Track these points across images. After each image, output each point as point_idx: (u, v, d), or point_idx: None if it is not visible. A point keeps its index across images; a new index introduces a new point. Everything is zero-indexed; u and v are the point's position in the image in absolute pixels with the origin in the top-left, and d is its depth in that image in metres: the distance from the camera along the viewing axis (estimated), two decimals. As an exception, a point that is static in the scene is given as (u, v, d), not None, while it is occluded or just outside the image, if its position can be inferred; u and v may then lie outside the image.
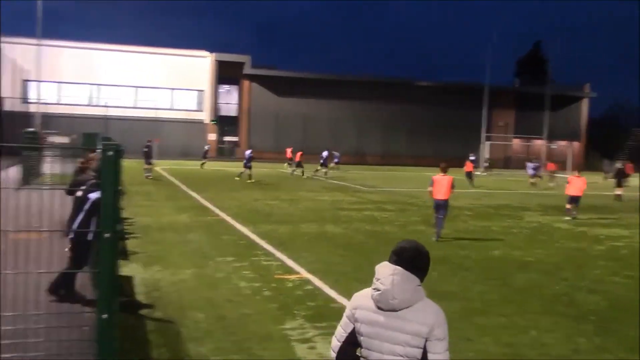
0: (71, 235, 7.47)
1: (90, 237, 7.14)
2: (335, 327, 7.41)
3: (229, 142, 66.18)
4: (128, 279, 9.04)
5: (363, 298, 3.17)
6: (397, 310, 3.01)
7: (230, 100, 66.95)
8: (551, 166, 41.07)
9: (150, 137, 38.20)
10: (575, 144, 72.22)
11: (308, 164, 40.71)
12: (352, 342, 3.14)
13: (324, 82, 65.99)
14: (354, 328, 3.14)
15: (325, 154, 39.61)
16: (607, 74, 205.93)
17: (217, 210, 18.07)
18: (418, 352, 2.97)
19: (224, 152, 65.15)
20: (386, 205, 21.47)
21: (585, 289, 9.69)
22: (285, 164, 45.24)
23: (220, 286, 9.04)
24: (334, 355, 3.22)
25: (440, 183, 14.10)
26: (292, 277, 9.82)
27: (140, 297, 8.29)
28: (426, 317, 2.99)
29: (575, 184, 19.92)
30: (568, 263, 11.86)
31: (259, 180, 30.71)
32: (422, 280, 3.10)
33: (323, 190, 27.41)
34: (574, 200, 19.66)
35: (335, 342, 3.22)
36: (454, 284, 9.65)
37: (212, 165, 41.90)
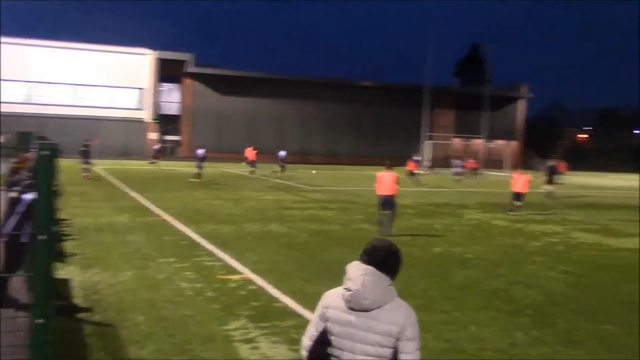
0: (4, 238, 7.20)
1: (24, 239, 6.89)
2: (278, 327, 7.41)
3: (171, 141, 65.17)
4: (65, 282, 8.78)
5: (334, 297, 3.15)
6: (368, 311, 3.00)
7: (172, 98, 65.91)
8: (471, 164, 42.20)
9: (89, 136, 37.25)
10: (513, 143, 74.24)
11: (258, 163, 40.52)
12: (323, 342, 3.13)
13: (268, 81, 65.75)
14: (325, 327, 3.12)
15: (282, 153, 40.13)
16: (543, 75, 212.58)
17: (158, 211, 17.76)
18: (389, 352, 2.98)
19: (165, 152, 64.12)
20: (330, 204, 21.56)
21: (522, 284, 9.97)
22: (244, 164, 45.02)
23: (161, 287, 8.88)
24: (305, 354, 3.21)
25: (385, 179, 14.60)
26: (235, 277, 9.74)
27: (78, 300, 8.07)
28: (397, 317, 2.99)
29: (520, 181, 21.18)
30: (505, 259, 12.18)
31: (210, 180, 30.34)
32: (393, 279, 3.10)
33: (267, 189, 27.31)
34: (518, 196, 20.90)
35: (307, 342, 3.20)
36: (399, 281, 9.70)
37: (154, 165, 41.15)
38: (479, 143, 68.52)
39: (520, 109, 77.88)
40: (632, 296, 9.37)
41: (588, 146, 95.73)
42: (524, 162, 71.26)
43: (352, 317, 3.02)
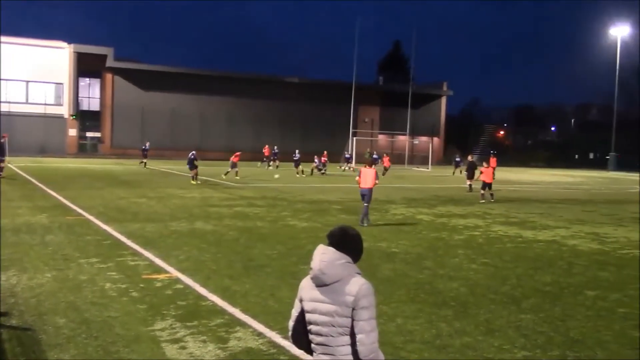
0: None
1: None
2: (206, 326, 7.34)
3: (92, 137, 63.20)
4: (-21, 286, 8.37)
5: (306, 279, 3.51)
6: (328, 285, 3.34)
7: (92, 94, 63.98)
8: (386, 161, 43.29)
9: (3, 132, 35.62)
10: (436, 140, 76.14)
11: (178, 160, 39.84)
12: (302, 321, 3.47)
13: (192, 77, 64.78)
14: (302, 307, 3.48)
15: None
16: (463, 73, 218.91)
17: (79, 210, 17.21)
18: (347, 322, 3.29)
19: (86, 149, 62.17)
20: (257, 201, 21.48)
21: (445, 276, 10.24)
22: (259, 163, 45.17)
23: (84, 289, 8.61)
24: (290, 334, 3.58)
25: (366, 174, 16.12)
26: (161, 276, 9.56)
27: (-6, 304, 7.71)
28: (352, 288, 3.31)
29: (487, 173, 24.36)
30: (430, 252, 12.48)
31: (134, 178, 29.56)
32: (355, 259, 3.46)
33: (192, 187, 26.92)
34: (487, 186, 24.27)
35: (290, 323, 3.57)
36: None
37: (73, 163, 39.79)
38: (403, 139, 69.90)
39: (442, 106, 79.95)
40: (547, 285, 9.80)
41: (506, 142, 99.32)
42: (446, 158, 73.42)
43: (317, 293, 3.38)
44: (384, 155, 47.14)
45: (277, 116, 68.21)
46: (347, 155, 52.62)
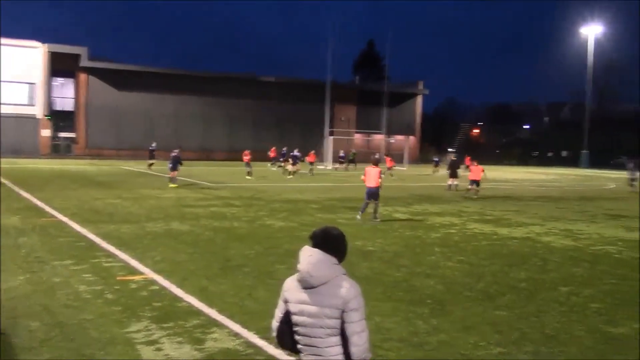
0: None
1: None
2: (182, 327, 7.30)
3: (65, 138, 62.38)
4: (-50, 290, 8.22)
5: (291, 281, 3.51)
6: (315, 287, 3.34)
7: (65, 94, 63.12)
8: (388, 161, 43.56)
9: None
10: (411, 138, 76.47)
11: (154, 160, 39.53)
12: (287, 322, 3.48)
13: (167, 76, 64.26)
14: (287, 309, 3.48)
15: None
16: (439, 72, 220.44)
17: (53, 211, 16.98)
18: (336, 323, 3.32)
19: (59, 149, 61.37)
20: (233, 201, 21.40)
21: (422, 274, 10.31)
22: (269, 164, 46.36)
23: (58, 291, 8.50)
24: (274, 334, 3.57)
25: (371, 173, 16.84)
26: (137, 277, 9.48)
27: (-35, 308, 7.58)
28: (340, 290, 3.33)
29: (475, 170, 26.05)
30: (407, 251, 12.55)
31: (110, 179, 29.25)
32: (340, 259, 3.46)
33: (168, 187, 26.72)
34: (475, 182, 25.78)
35: (274, 324, 3.57)
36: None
37: (47, 163, 39.27)
38: (379, 138, 70.12)
39: (418, 105, 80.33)
40: (522, 282, 9.91)
41: (481, 140, 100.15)
42: (422, 157, 73.85)
43: (304, 295, 3.38)
44: (386, 156, 48.01)
45: (253, 115, 67.97)
46: (341, 155, 52.96)
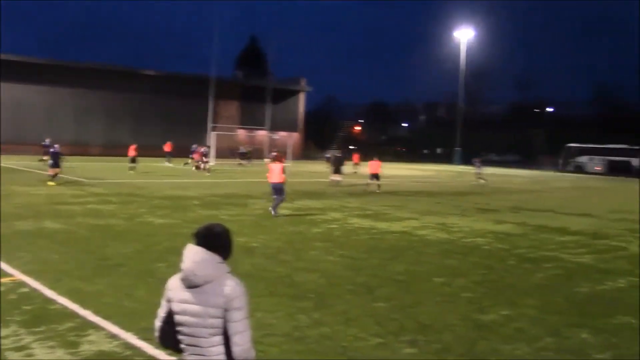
0: None
1: None
2: (55, 330, 6.95)
3: None
4: None
5: (175, 280, 3.44)
6: (199, 286, 3.30)
7: None
8: (355, 158, 45.31)
9: None
10: (295, 135, 77.06)
11: (23, 155, 37.18)
12: (169, 322, 3.41)
13: (39, 67, 60.56)
14: (170, 308, 3.40)
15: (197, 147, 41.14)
16: (320, 70, 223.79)
17: None
18: (220, 322, 3.28)
19: None
20: (111, 198, 20.59)
21: (304, 269, 10.43)
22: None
23: None
24: (157, 334, 3.50)
25: (274, 169, 17.50)
26: (4, 280, 8.88)
27: None
28: (224, 289, 3.29)
29: (373, 165, 27.72)
30: (289, 246, 12.65)
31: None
32: (225, 257, 3.41)
33: (39, 183, 25.26)
34: (375, 176, 27.50)
35: (157, 324, 3.49)
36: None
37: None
38: (262, 134, 70.10)
39: (300, 102, 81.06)
40: (399, 274, 10.29)
41: (361, 138, 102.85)
42: (305, 153, 74.68)
43: (187, 294, 3.33)
44: (353, 153, 48.94)
45: (132, 109, 65.63)
46: (242, 151, 52.32)
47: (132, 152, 35.19)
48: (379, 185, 27.51)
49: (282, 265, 10.66)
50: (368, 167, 28.25)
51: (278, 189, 17.53)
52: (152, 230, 14.15)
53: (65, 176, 28.95)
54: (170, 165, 43.00)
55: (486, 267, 11.27)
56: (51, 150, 26.14)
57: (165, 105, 67.28)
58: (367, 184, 27.98)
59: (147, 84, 66.29)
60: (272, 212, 17.32)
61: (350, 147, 52.07)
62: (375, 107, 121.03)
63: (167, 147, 46.93)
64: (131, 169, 34.05)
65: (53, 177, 25.56)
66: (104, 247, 11.74)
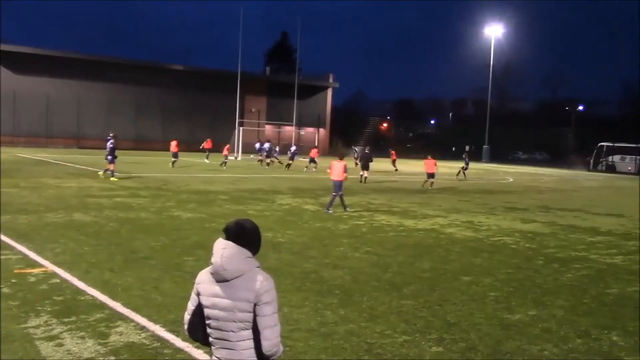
0: None
1: None
2: (85, 321, 7.05)
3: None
4: None
5: (205, 273, 3.47)
6: (228, 280, 3.32)
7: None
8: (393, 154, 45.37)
9: None
10: (322, 131, 77.12)
11: (52, 148, 37.75)
12: (199, 315, 3.44)
13: (70, 60, 61.40)
14: (199, 301, 3.43)
15: (266, 145, 42.42)
16: (348, 66, 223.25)
17: (-59, 201, 15.92)
18: (249, 317, 3.31)
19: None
20: (140, 191, 20.83)
21: (330, 265, 10.44)
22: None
23: (-52, 286, 7.99)
24: (186, 327, 3.53)
25: (336, 167, 17.95)
26: (35, 270, 9.06)
27: None
28: (253, 284, 3.31)
29: (429, 164, 28.42)
30: (316, 242, 12.66)
31: (4, 167, 27.63)
32: (254, 252, 3.43)
33: (69, 176, 25.66)
34: (431, 175, 28.26)
35: (186, 317, 3.52)
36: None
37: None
38: (289, 130, 70.22)
39: (328, 98, 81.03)
40: (426, 272, 10.24)
41: (389, 134, 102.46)
42: (331, 149, 74.61)
43: (217, 288, 3.35)
44: (390, 150, 48.97)
45: (160, 104, 66.26)
46: (268, 146, 48.00)
47: (174, 147, 35.56)
48: (432, 183, 28.27)
49: (309, 261, 10.68)
50: (424, 166, 28.94)
51: (337, 186, 17.90)
52: (180, 224, 14.28)
53: (92, 168, 29.38)
54: (208, 162, 42.15)
55: (514, 266, 11.16)
56: (109, 144, 25.01)
57: (192, 100, 67.77)
58: (424, 182, 28.69)
59: (175, 79, 66.84)
60: (327, 211, 17.52)
61: (382, 144, 51.77)
62: (402, 103, 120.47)
63: (208, 144, 45.96)
64: (173, 163, 34.67)
65: (111, 172, 24.94)
66: (132, 240, 11.88)
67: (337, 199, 18.02)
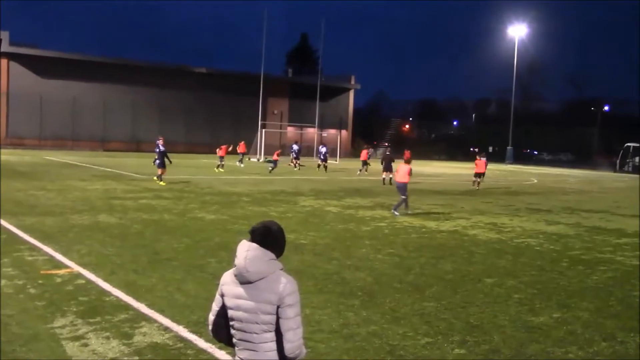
0: None
1: None
2: (109, 321, 7.14)
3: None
4: None
5: (229, 275, 3.49)
6: (252, 282, 3.33)
7: (-16, 80, 60.12)
8: (241, 148, 42.54)
9: None
10: (344, 132, 77.11)
11: (78, 151, 38.26)
12: (223, 316, 3.48)
13: (95, 64, 62.22)
14: (223, 302, 3.46)
15: (294, 147, 42.18)
16: (369, 67, 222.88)
17: (-30, 203, 16.22)
18: (272, 319, 3.32)
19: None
20: (163, 193, 21.02)
21: (352, 267, 10.43)
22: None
23: (-24, 287, 8.14)
24: (210, 328, 3.57)
25: (402, 169, 18.22)
26: (61, 271, 9.19)
27: None
28: (277, 286, 3.33)
29: (480, 164, 29.76)
30: (337, 243, 12.67)
31: (31, 169, 28.10)
32: (278, 255, 3.46)
33: (94, 178, 25.99)
34: (480, 175, 29.77)
35: (210, 317, 3.56)
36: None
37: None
38: (311, 132, 70.33)
39: (350, 99, 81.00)
40: (448, 274, 10.19)
41: (411, 135, 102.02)
42: (354, 150, 74.56)
43: (240, 289, 3.37)
44: (405, 150, 47.90)
45: (183, 106, 66.80)
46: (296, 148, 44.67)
47: (222, 152, 35.91)
48: (479, 183, 29.56)
49: (331, 263, 10.69)
50: (475, 166, 29.95)
51: (402, 188, 18.01)
52: (203, 225, 14.38)
53: (117, 171, 29.72)
54: (242, 165, 40.96)
55: (538, 268, 11.06)
56: (159, 147, 24.91)
57: (215, 102, 68.23)
58: (473, 182, 29.93)
59: (198, 82, 67.34)
60: (394, 212, 17.75)
61: (402, 144, 51.32)
62: (424, 104, 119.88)
63: (241, 148, 44.56)
64: (218, 166, 35.18)
65: (159, 176, 24.99)
66: (156, 242, 12.00)
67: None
